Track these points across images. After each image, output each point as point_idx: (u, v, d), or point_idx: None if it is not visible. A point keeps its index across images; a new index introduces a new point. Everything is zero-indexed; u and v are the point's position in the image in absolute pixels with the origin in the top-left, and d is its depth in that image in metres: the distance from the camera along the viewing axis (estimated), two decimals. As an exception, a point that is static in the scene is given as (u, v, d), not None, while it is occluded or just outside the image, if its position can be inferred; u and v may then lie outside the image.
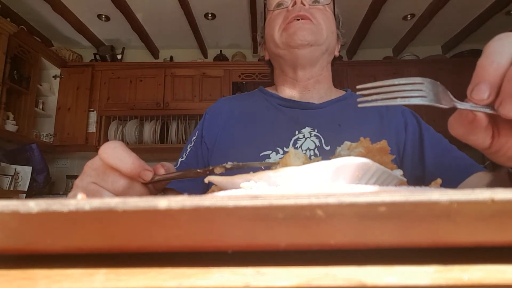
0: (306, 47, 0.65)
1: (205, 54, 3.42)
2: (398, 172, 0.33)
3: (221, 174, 0.35)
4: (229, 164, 0.35)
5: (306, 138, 0.64)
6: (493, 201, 0.13)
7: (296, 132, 0.65)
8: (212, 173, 0.35)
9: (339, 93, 0.76)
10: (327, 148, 0.63)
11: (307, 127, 0.66)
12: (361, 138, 0.38)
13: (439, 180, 0.33)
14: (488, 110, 0.28)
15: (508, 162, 0.32)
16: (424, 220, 0.14)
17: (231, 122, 0.71)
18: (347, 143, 0.39)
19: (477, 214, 0.14)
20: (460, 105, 0.28)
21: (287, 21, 0.66)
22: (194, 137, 0.72)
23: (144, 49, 3.32)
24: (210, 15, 2.83)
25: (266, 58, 0.79)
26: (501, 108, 0.26)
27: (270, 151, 0.63)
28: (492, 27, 2.89)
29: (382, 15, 2.77)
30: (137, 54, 3.35)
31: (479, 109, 0.28)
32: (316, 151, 0.63)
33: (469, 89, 0.28)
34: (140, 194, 0.36)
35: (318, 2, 0.69)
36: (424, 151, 0.64)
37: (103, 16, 2.82)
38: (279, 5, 0.71)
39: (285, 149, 0.63)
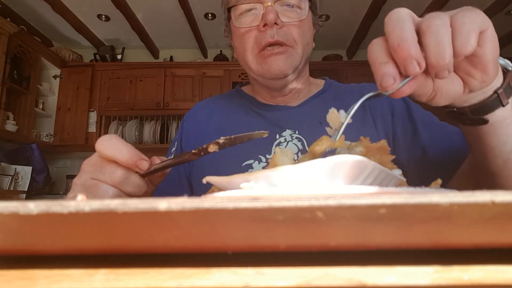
0: (282, 78, 0.62)
1: (205, 54, 3.42)
2: (397, 172, 0.33)
3: (214, 152, 0.36)
4: (221, 139, 0.35)
5: (288, 142, 0.62)
6: (493, 203, 0.13)
7: (277, 136, 0.63)
8: (206, 152, 0.36)
9: (317, 86, 0.72)
10: None
11: (287, 130, 0.63)
12: (361, 137, 0.38)
13: (439, 181, 0.33)
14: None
15: (443, 102, 0.36)
16: (425, 222, 0.14)
17: (209, 131, 0.68)
18: (347, 142, 0.39)
19: (478, 216, 0.14)
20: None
21: (260, 47, 0.59)
22: (173, 149, 0.70)
23: (144, 49, 3.32)
24: (210, 15, 2.83)
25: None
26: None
27: (252, 160, 0.61)
28: (492, 27, 2.88)
29: (382, 15, 2.77)
30: (137, 54, 3.35)
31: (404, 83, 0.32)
32: (299, 154, 0.60)
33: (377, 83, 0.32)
34: (138, 186, 0.37)
35: (293, 17, 0.60)
36: (417, 128, 0.61)
37: (103, 16, 2.82)
38: (243, 13, 0.61)
39: (267, 156, 0.61)
